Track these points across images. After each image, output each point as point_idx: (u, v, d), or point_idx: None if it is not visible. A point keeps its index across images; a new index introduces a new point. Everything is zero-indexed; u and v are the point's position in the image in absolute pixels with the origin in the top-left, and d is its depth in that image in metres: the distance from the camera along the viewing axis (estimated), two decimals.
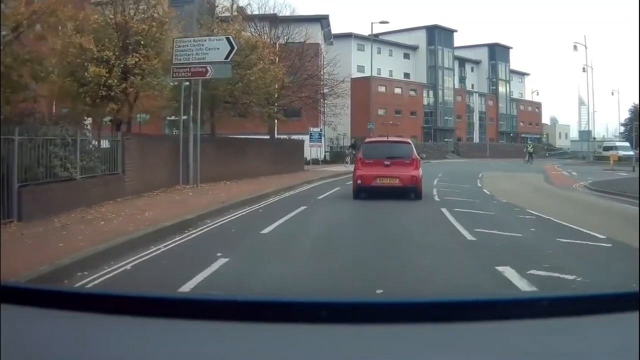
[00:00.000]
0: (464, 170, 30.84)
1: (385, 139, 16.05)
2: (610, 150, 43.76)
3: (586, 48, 55.64)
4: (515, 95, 75.58)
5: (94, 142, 12.11)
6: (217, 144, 19.26)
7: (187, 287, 4.75)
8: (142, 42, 14.31)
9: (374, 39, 44.32)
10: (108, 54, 13.88)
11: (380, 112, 52.14)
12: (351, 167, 28.86)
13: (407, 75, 62.23)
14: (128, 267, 5.85)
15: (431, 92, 61.71)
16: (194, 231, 8.39)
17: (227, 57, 15.68)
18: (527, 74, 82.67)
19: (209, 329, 1.21)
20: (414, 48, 63.28)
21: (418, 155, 13.87)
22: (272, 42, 25.28)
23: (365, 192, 13.06)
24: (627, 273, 5.33)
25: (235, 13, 22.78)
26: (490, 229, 8.53)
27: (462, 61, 69.23)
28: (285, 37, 27.35)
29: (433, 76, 62.05)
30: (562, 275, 5.32)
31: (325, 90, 27.84)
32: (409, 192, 12.91)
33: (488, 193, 15.87)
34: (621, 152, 42.22)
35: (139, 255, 6.38)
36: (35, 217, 8.50)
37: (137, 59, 13.83)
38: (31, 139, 9.22)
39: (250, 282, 5.16)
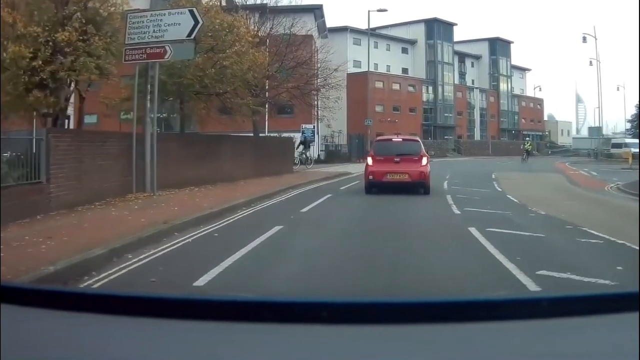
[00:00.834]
0: (473, 170, 27.86)
1: (394, 137, 15.13)
2: (620, 148, 41.55)
3: (596, 39, 52.51)
4: (517, 91, 73.39)
5: None
6: (184, 143, 16.05)
7: None
8: (79, 15, 11.27)
9: (371, 32, 41.21)
10: (36, 29, 10.86)
11: (378, 108, 49.40)
12: (303, 169, 26.84)
13: (405, 70, 59.47)
14: None
15: (430, 88, 58.92)
16: (86, 283, 5.30)
17: (189, 34, 12.60)
18: (529, 70, 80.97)
19: (209, 329, 1.19)
20: (413, 42, 60.44)
21: (426, 153, 14.50)
22: (256, 27, 22.06)
23: (376, 187, 13.71)
24: None
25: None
26: (559, 269, 5.49)
27: (462, 56, 66.62)
28: (276, 27, 23.82)
29: (432, 71, 59.29)
30: None
31: (319, 81, 24.37)
32: (418, 187, 13.59)
33: (516, 201, 12.76)
34: (633, 150, 39.70)
35: None
36: None
37: (68, 34, 10.75)
38: None
39: None
